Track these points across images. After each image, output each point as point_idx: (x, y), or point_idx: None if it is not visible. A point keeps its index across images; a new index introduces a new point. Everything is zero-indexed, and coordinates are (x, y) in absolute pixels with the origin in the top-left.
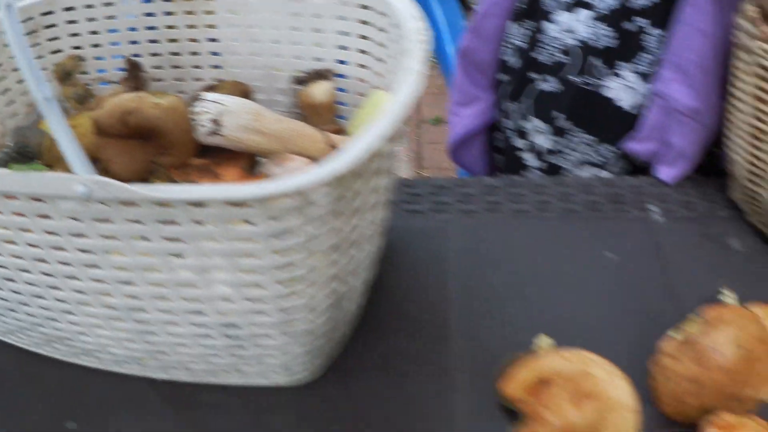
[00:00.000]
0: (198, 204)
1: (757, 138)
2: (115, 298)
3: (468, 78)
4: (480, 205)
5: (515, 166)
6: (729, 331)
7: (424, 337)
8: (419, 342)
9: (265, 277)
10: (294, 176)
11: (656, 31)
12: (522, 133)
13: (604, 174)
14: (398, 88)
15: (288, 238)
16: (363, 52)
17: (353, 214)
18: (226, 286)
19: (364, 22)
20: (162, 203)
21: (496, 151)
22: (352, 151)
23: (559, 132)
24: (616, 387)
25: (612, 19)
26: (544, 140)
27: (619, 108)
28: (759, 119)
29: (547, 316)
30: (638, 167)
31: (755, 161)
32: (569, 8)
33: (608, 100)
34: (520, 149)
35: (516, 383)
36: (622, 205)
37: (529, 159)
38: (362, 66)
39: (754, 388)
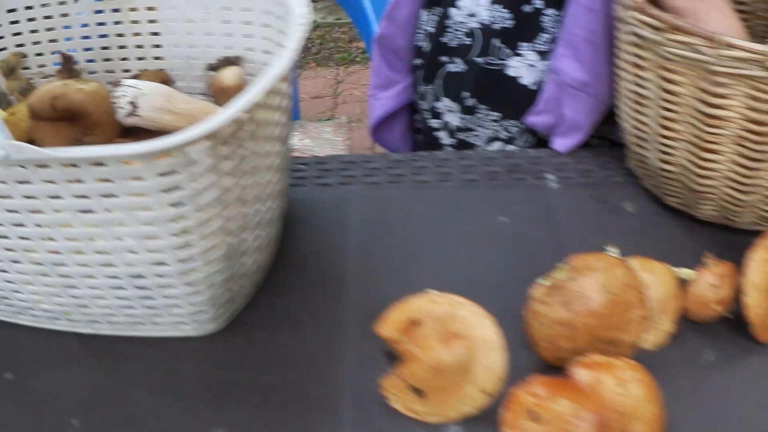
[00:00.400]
0: (98, 163)
1: (639, 104)
2: (39, 253)
3: (386, 63)
4: (384, 177)
5: (433, 144)
6: (596, 277)
7: (322, 294)
8: (317, 298)
9: (161, 228)
10: (174, 136)
11: (551, 11)
12: (436, 113)
13: (510, 148)
14: (272, 63)
15: (175, 193)
16: (266, 39)
17: (240, 174)
18: (130, 238)
19: (267, 12)
20: (69, 164)
21: (416, 131)
22: (220, 116)
23: (467, 110)
24: (482, 326)
25: (510, 2)
26: (454, 119)
27: (522, 85)
28: (639, 85)
29: (439, 273)
30: (543, 141)
31: (640, 126)
32: None
33: (511, 79)
34: (435, 129)
35: (390, 324)
36: (520, 174)
37: (444, 137)
38: (266, 52)
39: (627, 333)
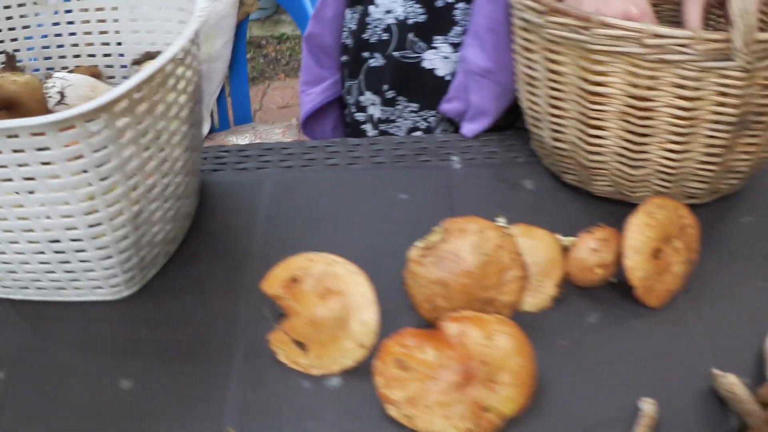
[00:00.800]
0: (12, 135)
1: (531, 85)
2: None
3: (314, 60)
4: (297, 162)
5: (359, 137)
6: (468, 238)
7: (228, 263)
8: (223, 267)
9: (69, 194)
10: (72, 109)
11: (462, 5)
12: (361, 107)
13: None
14: (166, 51)
15: (79, 161)
16: (181, 34)
17: (140, 147)
18: (45, 204)
19: (180, 9)
20: None
21: (346, 125)
22: (112, 92)
23: (388, 103)
24: (356, 283)
25: None
26: (377, 111)
27: (438, 77)
28: (530, 68)
29: (337, 244)
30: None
31: (533, 106)
32: None
33: (427, 71)
34: (361, 122)
35: (273, 282)
36: (426, 156)
37: (369, 129)
38: None
39: (504, 293)
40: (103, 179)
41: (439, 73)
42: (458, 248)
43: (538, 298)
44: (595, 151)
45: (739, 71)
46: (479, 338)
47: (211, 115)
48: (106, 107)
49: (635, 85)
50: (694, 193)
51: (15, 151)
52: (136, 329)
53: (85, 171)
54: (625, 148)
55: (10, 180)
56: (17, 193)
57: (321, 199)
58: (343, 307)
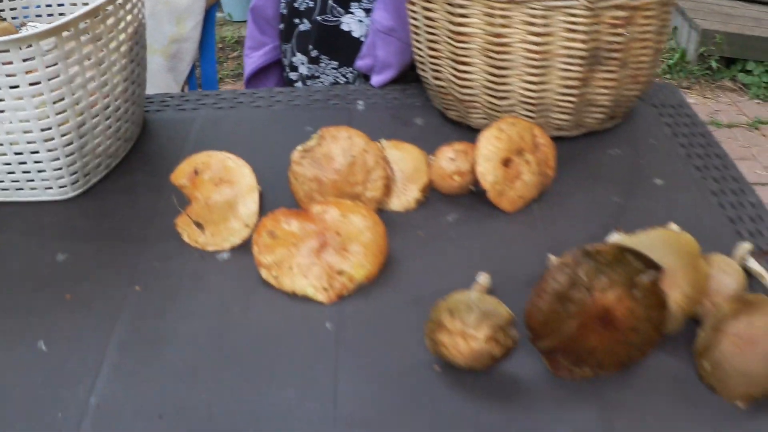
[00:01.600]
0: None
1: (416, 33)
2: None
3: (258, 29)
4: (227, 104)
5: None
6: (339, 143)
7: (161, 173)
8: (156, 177)
9: (26, 101)
10: (29, 31)
11: None
12: (293, 67)
13: None
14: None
15: (34, 74)
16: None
17: (84, 68)
18: (7, 110)
19: None
20: None
21: (285, 86)
22: (61, 19)
23: (313, 61)
24: (243, 174)
25: None
26: (305, 69)
27: (354, 38)
28: (413, 18)
29: (249, 160)
30: None
31: (418, 51)
32: None
33: (345, 33)
34: (294, 80)
35: (179, 174)
36: (336, 101)
37: (299, 87)
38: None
39: (370, 190)
40: (53, 90)
41: (355, 34)
42: (330, 151)
43: (403, 200)
44: (466, 85)
45: (584, 10)
46: (336, 215)
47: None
48: (56, 30)
49: (492, 24)
50: (561, 125)
51: None
52: (75, 220)
53: (38, 83)
54: (491, 81)
55: None
56: None
57: (241, 130)
58: (232, 192)
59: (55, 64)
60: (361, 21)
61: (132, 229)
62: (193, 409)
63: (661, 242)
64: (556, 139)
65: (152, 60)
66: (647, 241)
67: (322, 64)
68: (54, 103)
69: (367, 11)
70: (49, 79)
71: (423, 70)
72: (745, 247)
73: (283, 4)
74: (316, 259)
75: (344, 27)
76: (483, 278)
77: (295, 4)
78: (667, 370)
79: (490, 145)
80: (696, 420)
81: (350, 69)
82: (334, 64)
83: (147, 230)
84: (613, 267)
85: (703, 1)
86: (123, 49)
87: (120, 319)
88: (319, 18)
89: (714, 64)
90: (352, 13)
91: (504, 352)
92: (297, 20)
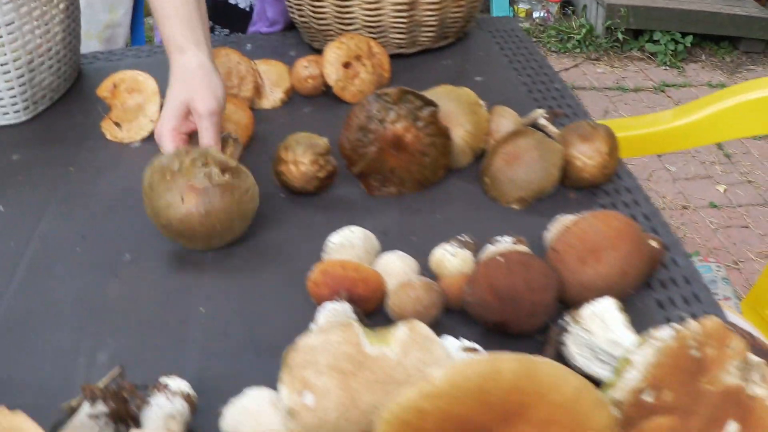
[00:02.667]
0: None
1: None
2: None
3: None
4: (146, 55)
5: None
6: (221, 60)
7: (91, 101)
8: (87, 104)
9: None
10: None
11: None
12: None
13: None
14: None
15: None
16: None
17: (30, 20)
18: None
19: None
20: None
21: None
22: None
23: (210, 30)
24: (149, 84)
25: None
26: None
27: (240, 9)
28: None
29: (162, 87)
30: None
31: (288, 1)
32: None
33: (233, 6)
34: None
35: (103, 88)
36: (231, 45)
37: None
38: None
39: (244, 92)
40: (9, 34)
41: (241, 6)
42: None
43: (271, 99)
44: (320, 18)
45: None
46: None
47: None
48: None
49: None
50: (399, 43)
51: None
52: (26, 134)
53: None
54: (339, 12)
55: None
56: None
57: (156, 71)
58: (141, 98)
59: (11, 17)
60: None
61: (69, 138)
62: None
63: (443, 94)
64: (396, 56)
65: (89, 44)
66: (433, 94)
67: (216, 32)
68: (10, 44)
69: None
70: (6, 25)
71: (292, 13)
72: (539, 111)
73: None
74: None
75: (231, 1)
76: (323, 140)
77: None
78: (459, 188)
79: (332, 53)
80: (481, 221)
81: (242, 35)
82: (226, 31)
83: (80, 137)
84: (398, 104)
85: None
86: (62, 6)
87: (59, 186)
88: None
89: (620, 36)
90: None
91: (325, 173)
92: None
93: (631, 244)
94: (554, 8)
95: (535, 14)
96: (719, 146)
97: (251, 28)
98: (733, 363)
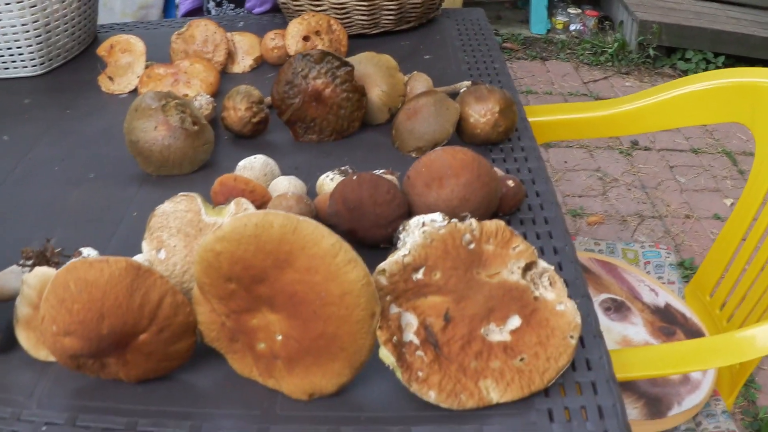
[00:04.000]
0: None
1: None
2: None
3: None
4: (161, 25)
5: None
6: (199, 28)
7: (95, 62)
8: (93, 62)
9: (12, 6)
10: None
11: None
12: (208, 10)
13: None
14: None
15: None
16: None
17: None
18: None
19: None
20: None
21: None
22: None
23: (218, 5)
24: (138, 46)
25: None
26: (214, 11)
27: None
28: None
29: (156, 48)
30: None
31: None
32: None
33: None
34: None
35: (102, 48)
36: (225, 21)
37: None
38: None
39: (215, 56)
40: None
41: None
42: (193, 33)
43: (241, 65)
44: (317, 3)
45: None
46: (187, 64)
47: None
48: None
49: None
50: (362, 24)
51: None
52: (39, 84)
53: None
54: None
55: None
56: None
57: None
58: (131, 58)
59: None
60: None
61: (72, 88)
62: (82, 157)
63: (366, 58)
64: (361, 36)
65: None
66: (357, 59)
67: (224, 6)
68: (30, 7)
69: None
70: None
71: None
72: (464, 83)
73: None
74: (172, 88)
75: None
76: (257, 91)
77: None
78: (372, 139)
79: (294, 27)
80: (381, 163)
81: (243, 10)
82: (232, 6)
83: (81, 88)
84: (319, 63)
85: None
86: None
87: (54, 123)
88: None
89: (651, 52)
90: None
91: (258, 119)
92: None
93: (471, 174)
94: (591, 22)
95: (572, 27)
96: (734, 162)
97: (247, 4)
98: (518, 264)
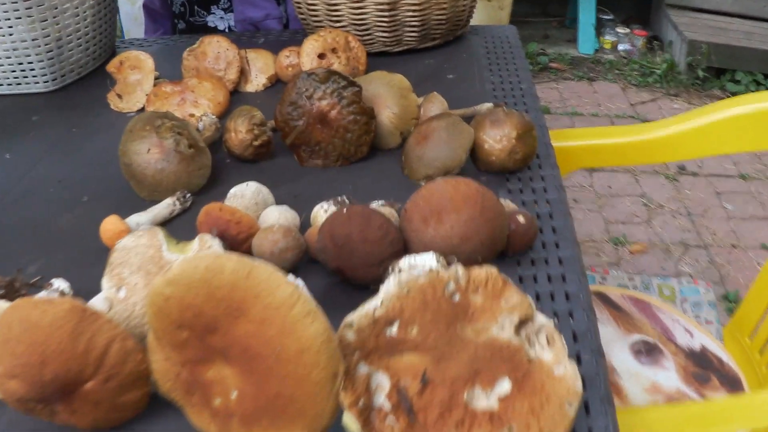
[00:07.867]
0: None
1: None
2: None
3: (151, 20)
4: (159, 45)
5: None
6: (211, 45)
7: (105, 75)
8: (106, 80)
9: (23, 21)
10: None
11: None
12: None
13: None
14: None
15: (29, 2)
16: None
17: (61, 3)
18: (13, 26)
19: None
20: None
21: None
22: None
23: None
24: (147, 62)
25: None
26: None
27: (220, 30)
28: None
29: (166, 68)
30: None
31: (295, 3)
32: None
33: (212, 27)
34: None
35: (111, 64)
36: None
37: None
38: None
39: (228, 74)
40: (39, 14)
41: (220, 27)
42: (205, 49)
43: (254, 84)
44: (314, 15)
45: None
46: (195, 82)
47: None
48: None
49: None
50: (384, 41)
51: None
52: (50, 101)
53: (30, 8)
54: (328, 10)
55: None
56: None
57: (167, 58)
58: (141, 75)
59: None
60: (222, 18)
61: (82, 106)
62: (78, 178)
63: (377, 78)
64: (383, 54)
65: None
66: (368, 78)
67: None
68: (41, 21)
69: (226, 10)
70: (38, 6)
71: (298, 12)
72: (486, 105)
73: (168, 4)
74: (178, 108)
75: (210, 24)
76: (259, 113)
77: (173, 8)
78: (381, 165)
79: (309, 45)
80: (390, 190)
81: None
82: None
83: (91, 106)
84: (325, 83)
85: (699, 17)
86: None
87: (59, 142)
88: (191, 19)
89: (701, 74)
90: (213, 13)
91: (260, 142)
92: (176, 21)
93: (473, 209)
94: (639, 42)
95: (621, 47)
96: None
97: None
98: (509, 318)
